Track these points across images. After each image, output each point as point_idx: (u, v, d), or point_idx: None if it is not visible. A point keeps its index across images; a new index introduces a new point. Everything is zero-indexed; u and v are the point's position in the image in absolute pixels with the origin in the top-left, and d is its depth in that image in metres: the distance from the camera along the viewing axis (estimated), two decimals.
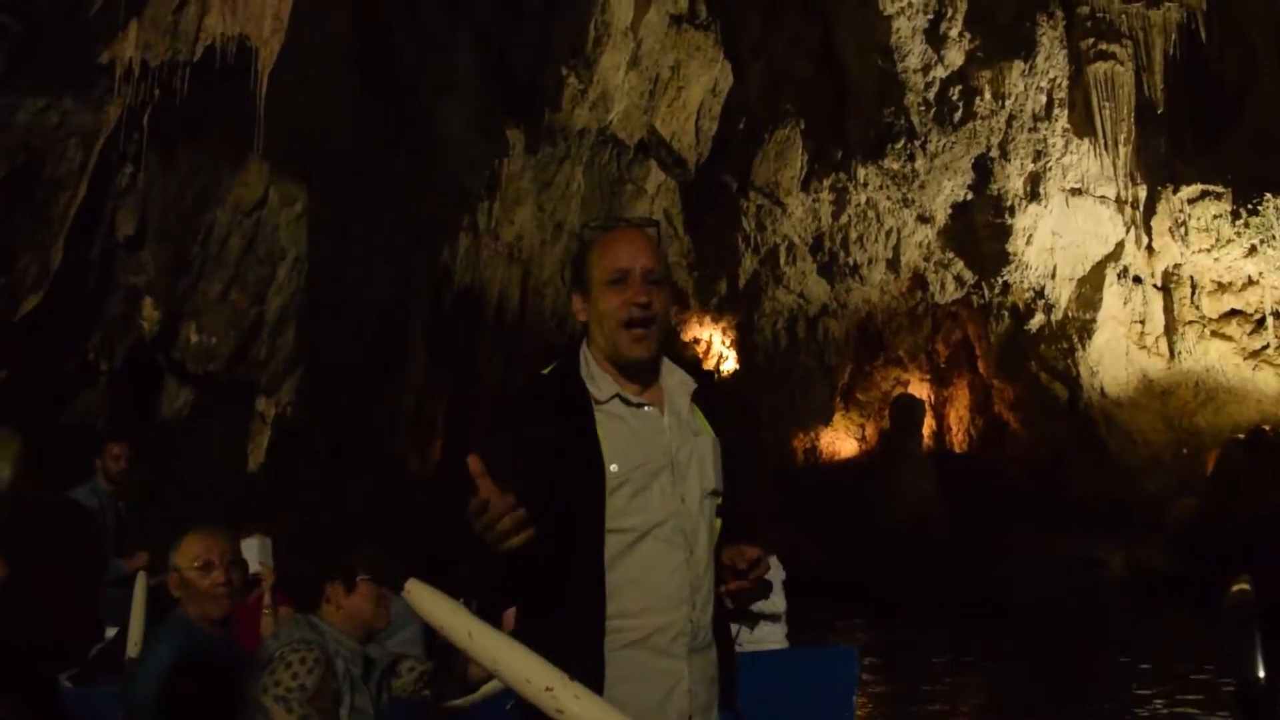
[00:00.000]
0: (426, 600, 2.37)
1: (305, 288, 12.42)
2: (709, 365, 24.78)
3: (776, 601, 6.30)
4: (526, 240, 23.18)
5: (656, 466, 2.37)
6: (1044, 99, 19.32)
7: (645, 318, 2.35)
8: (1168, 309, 20.12)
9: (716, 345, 24.93)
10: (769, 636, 6.25)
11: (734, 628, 6.25)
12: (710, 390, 2.50)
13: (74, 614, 1.64)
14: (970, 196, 20.43)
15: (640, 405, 2.40)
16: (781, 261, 22.43)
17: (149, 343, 10.74)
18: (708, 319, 24.54)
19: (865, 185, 20.91)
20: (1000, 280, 20.70)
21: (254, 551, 6.48)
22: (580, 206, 22.94)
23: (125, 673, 3.29)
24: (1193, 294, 19.99)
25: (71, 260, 9.17)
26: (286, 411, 12.80)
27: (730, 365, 24.72)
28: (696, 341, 25.02)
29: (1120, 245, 20.14)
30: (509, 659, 2.26)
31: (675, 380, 2.46)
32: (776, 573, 6.42)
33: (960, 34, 19.36)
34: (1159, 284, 20.28)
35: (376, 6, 13.92)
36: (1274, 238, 19.15)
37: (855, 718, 4.94)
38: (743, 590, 2.35)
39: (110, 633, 4.50)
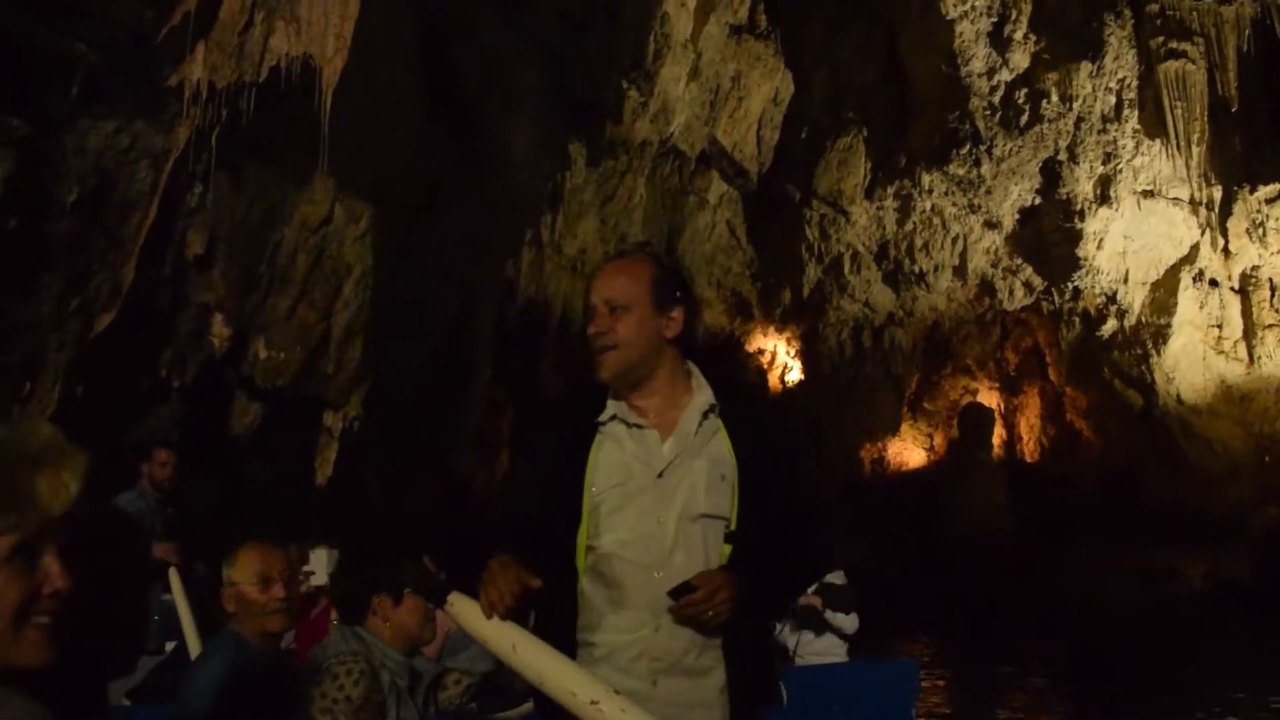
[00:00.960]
0: (470, 614, 2.36)
1: (371, 303, 12.58)
2: (774, 376, 24.66)
3: (849, 621, 6.24)
4: (590, 253, 23.25)
5: (637, 487, 2.39)
6: (1113, 100, 18.95)
7: (599, 346, 2.42)
8: (1245, 312, 19.59)
9: (781, 356, 24.79)
10: (830, 650, 6.20)
11: (793, 640, 6.23)
12: (734, 410, 2.46)
13: (122, 624, 1.66)
14: (1038, 201, 20.09)
15: (639, 427, 2.43)
16: (846, 270, 22.24)
17: (219, 359, 10.94)
18: (772, 329, 24.41)
19: (930, 192, 20.66)
20: (1071, 286, 20.32)
21: (323, 563, 6.51)
22: (643, 218, 22.98)
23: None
24: (1272, 296, 19.46)
25: (143, 279, 9.37)
26: (354, 426, 12.96)
27: (795, 376, 24.55)
28: (761, 352, 24.90)
29: (1195, 248, 19.67)
30: (554, 672, 2.24)
31: (699, 400, 2.46)
32: (848, 595, 6.33)
33: (1025, 36, 19.07)
34: (1236, 286, 19.76)
35: (439, 24, 14.07)
36: None
37: None
38: (681, 614, 2.29)
39: (168, 646, 4.49)
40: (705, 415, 2.44)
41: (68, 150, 7.97)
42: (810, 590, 6.13)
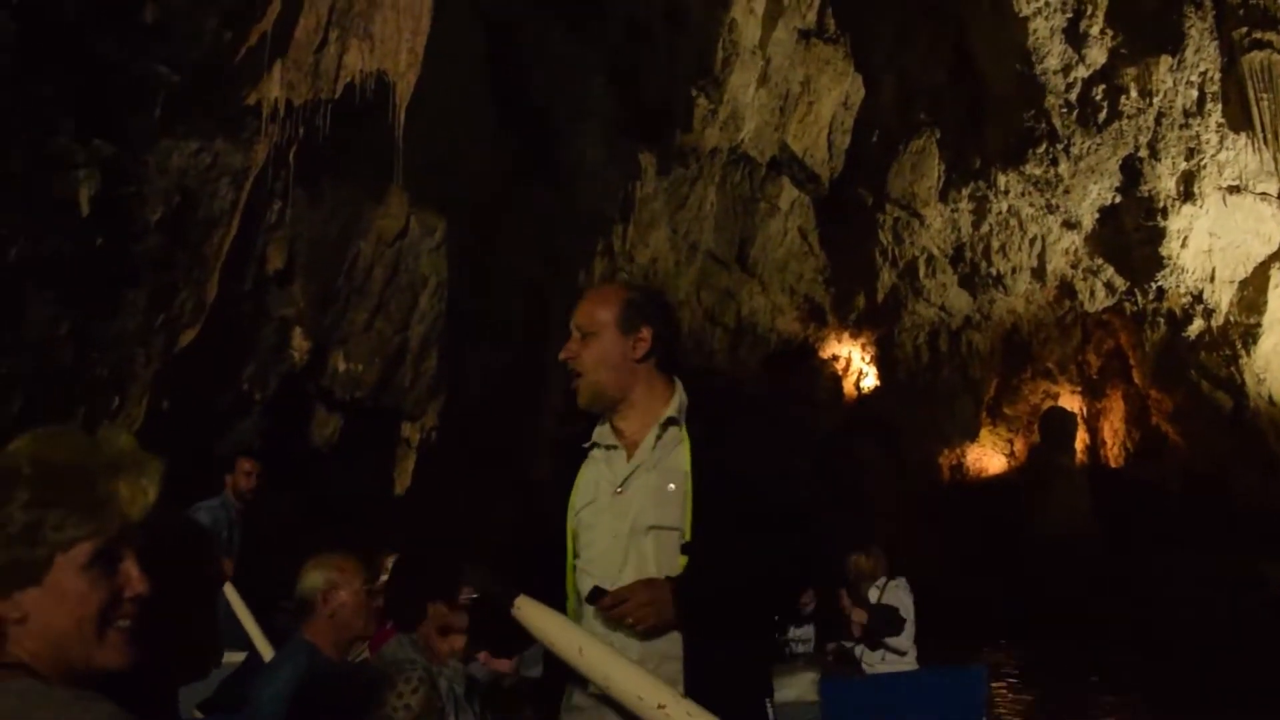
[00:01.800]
0: (536, 617, 2.39)
1: (446, 314, 12.73)
2: (848, 383, 24.42)
3: (901, 641, 6.17)
4: (661, 262, 23.27)
5: (602, 505, 2.48)
6: (1195, 94, 18.42)
7: (570, 373, 2.56)
8: None
9: (856, 362, 24.55)
10: (895, 662, 6.15)
11: (857, 650, 6.16)
12: (698, 420, 2.50)
13: (195, 631, 1.69)
14: (1119, 199, 19.63)
15: (612, 447, 2.52)
16: (921, 274, 21.95)
17: (299, 372, 11.14)
18: (846, 335, 24.17)
19: (1006, 193, 20.31)
20: (1154, 286, 19.81)
21: None
22: (714, 226, 22.94)
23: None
24: None
25: (225, 295, 9.59)
26: (431, 436, 13.12)
27: (870, 382, 24.29)
28: (835, 359, 24.68)
29: None
30: (621, 676, 2.25)
31: (663, 414, 2.52)
32: (906, 613, 6.26)
33: (1102, 31, 18.66)
34: None
35: (507, 37, 14.21)
36: None
37: None
38: (605, 620, 2.38)
39: (236, 657, 4.49)
40: (665, 428, 2.49)
41: (151, 170, 8.19)
42: (861, 611, 6.11)
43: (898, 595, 6.30)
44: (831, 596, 7.21)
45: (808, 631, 6.86)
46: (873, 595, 6.34)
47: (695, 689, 2.32)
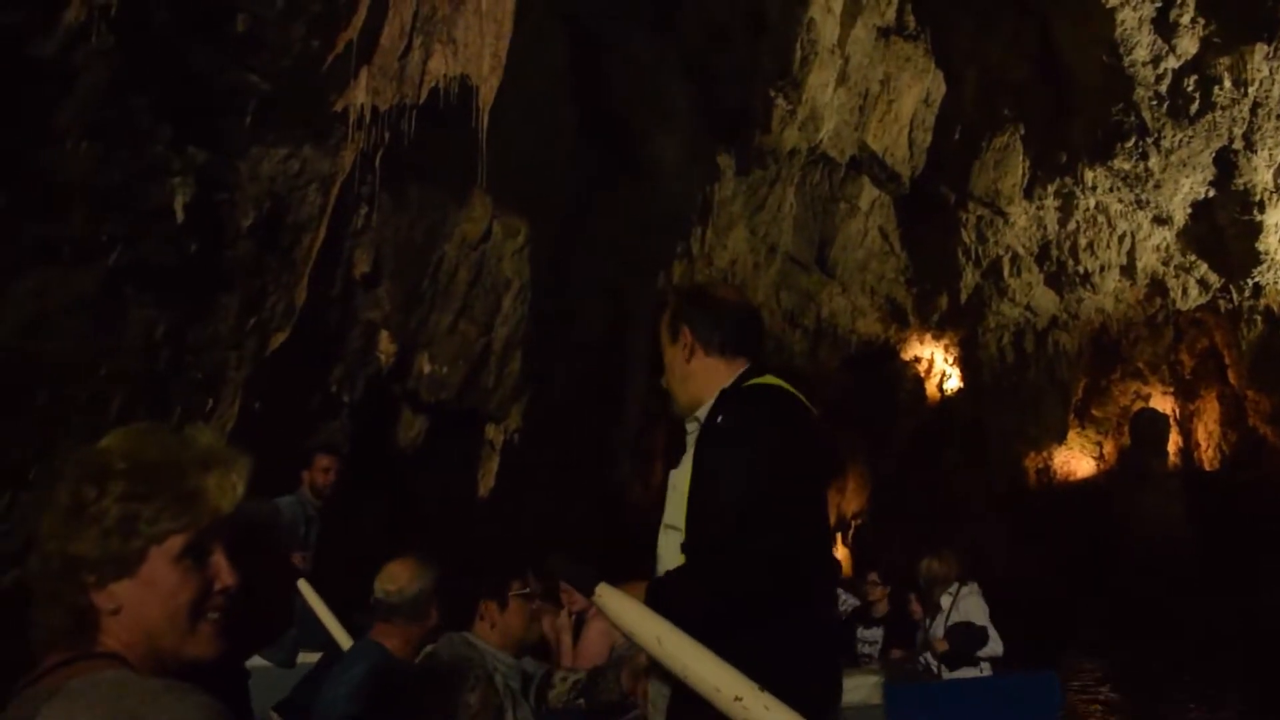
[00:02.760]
0: (616, 605, 2.39)
1: (529, 317, 12.81)
2: (931, 384, 24.09)
3: (993, 646, 6.09)
4: (740, 264, 23.19)
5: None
6: None
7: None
8: None
9: (939, 364, 24.23)
10: (973, 670, 6.08)
11: (934, 665, 6.09)
12: (709, 422, 2.56)
13: (269, 621, 1.74)
14: (1212, 193, 19.06)
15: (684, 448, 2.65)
16: (1005, 273, 21.56)
17: (385, 374, 11.29)
18: (928, 336, 23.87)
19: (1094, 189, 19.85)
20: (1250, 282, 19.21)
21: None
22: (793, 228, 22.79)
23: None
24: None
25: (314, 298, 9.74)
26: (514, 439, 13.20)
27: (954, 384, 23.96)
28: (917, 360, 24.38)
29: None
30: (699, 666, 2.23)
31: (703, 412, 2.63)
32: (979, 613, 6.16)
33: (1193, 20, 18.12)
34: None
35: (588, 40, 14.26)
36: None
37: None
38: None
39: (312, 658, 4.50)
40: (699, 427, 2.60)
41: (242, 176, 8.36)
42: (941, 641, 6.05)
43: (971, 601, 6.22)
44: (903, 600, 7.13)
45: (876, 634, 6.79)
46: (945, 601, 6.29)
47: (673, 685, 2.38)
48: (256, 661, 5.15)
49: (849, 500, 26.99)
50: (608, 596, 2.44)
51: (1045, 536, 21.17)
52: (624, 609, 2.40)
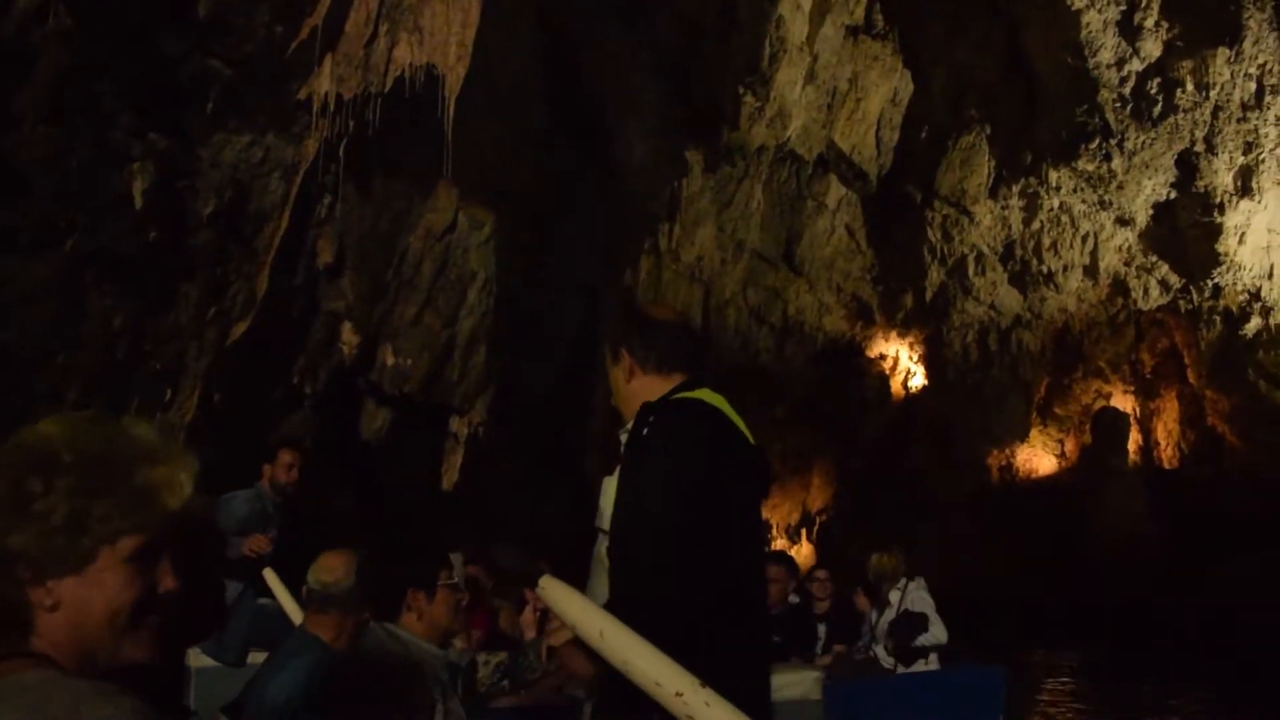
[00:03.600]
0: (559, 597, 2.40)
1: (495, 310, 12.74)
2: (896, 382, 24.22)
3: (937, 632, 6.12)
4: (707, 260, 23.22)
5: None
6: (1253, 86, 18.04)
7: None
8: None
9: (904, 361, 24.34)
10: (923, 664, 6.11)
11: (889, 661, 6.12)
12: (634, 434, 2.65)
13: (205, 619, 1.70)
14: (1174, 195, 19.26)
15: None
16: (970, 272, 21.69)
17: (348, 366, 11.20)
18: (894, 334, 23.98)
19: (1058, 189, 20.01)
20: (1210, 283, 19.41)
21: (459, 567, 6.50)
22: (760, 224, 22.84)
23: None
24: None
25: (276, 288, 9.65)
26: (479, 432, 13.14)
27: (918, 381, 24.08)
28: (882, 358, 24.48)
29: None
30: (641, 661, 2.24)
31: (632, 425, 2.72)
32: (924, 605, 6.19)
33: (1157, 24, 18.32)
34: None
35: (560, 33, 14.22)
36: None
37: None
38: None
39: (260, 657, 4.42)
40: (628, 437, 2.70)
41: (204, 164, 8.26)
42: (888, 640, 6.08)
43: (919, 596, 6.26)
44: (847, 597, 7.15)
45: (819, 630, 6.80)
46: (894, 597, 6.31)
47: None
48: (206, 662, 5.11)
49: (814, 497, 27.08)
50: (551, 588, 2.43)
51: (1009, 533, 21.32)
52: (567, 601, 2.41)
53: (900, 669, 6.00)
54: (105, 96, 7.27)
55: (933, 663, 6.05)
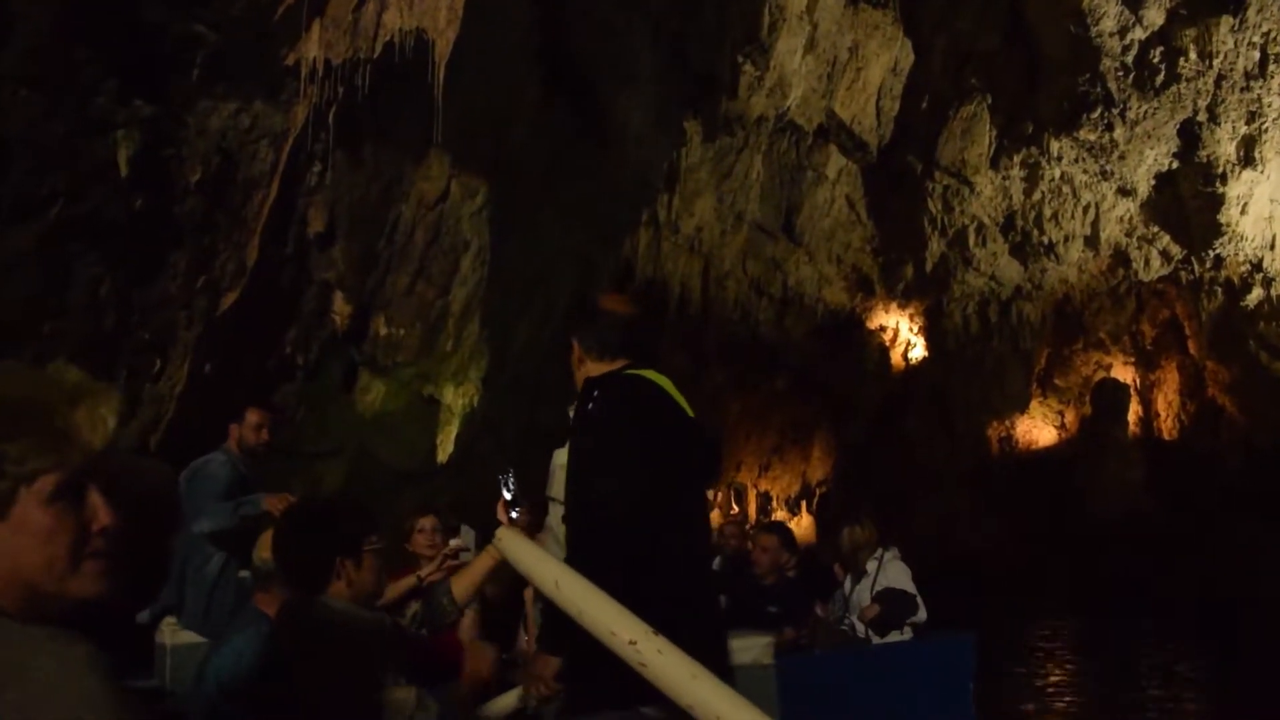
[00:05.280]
0: (516, 548, 2.49)
1: (489, 279, 12.67)
2: (896, 354, 24.18)
3: (921, 614, 6.11)
4: (706, 232, 23.13)
5: None
6: (1257, 55, 17.83)
7: None
8: None
9: (904, 333, 24.29)
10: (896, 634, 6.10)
11: (860, 628, 6.11)
12: (577, 409, 2.86)
13: (153, 568, 1.68)
14: (1176, 165, 19.10)
15: None
16: (971, 243, 21.57)
17: (341, 336, 11.16)
18: (894, 306, 23.91)
19: (1059, 159, 19.85)
20: (1212, 254, 19.29)
21: (471, 540, 6.39)
22: (760, 196, 22.72)
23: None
24: None
25: (267, 258, 9.59)
26: (473, 403, 13.09)
27: (919, 353, 24.04)
28: (883, 329, 24.43)
29: None
30: (595, 610, 2.27)
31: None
32: (903, 578, 6.17)
33: None
34: None
35: (554, 1, 14.06)
36: None
37: (973, 705, 4.82)
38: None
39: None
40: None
41: (191, 131, 8.18)
42: (873, 605, 6.04)
43: (896, 567, 6.24)
44: (823, 569, 7.11)
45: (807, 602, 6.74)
46: (870, 566, 6.29)
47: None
48: (184, 639, 5.07)
49: (814, 468, 27.11)
50: (508, 540, 2.59)
51: (1009, 504, 21.35)
52: (523, 552, 2.57)
53: (875, 639, 5.99)
54: (87, 63, 7.18)
55: (906, 633, 6.04)
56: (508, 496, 3.27)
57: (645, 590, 2.50)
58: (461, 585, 3.18)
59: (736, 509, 27.13)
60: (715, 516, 25.55)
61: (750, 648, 4.50)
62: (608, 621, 2.26)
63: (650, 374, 2.87)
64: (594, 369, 2.93)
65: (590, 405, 2.79)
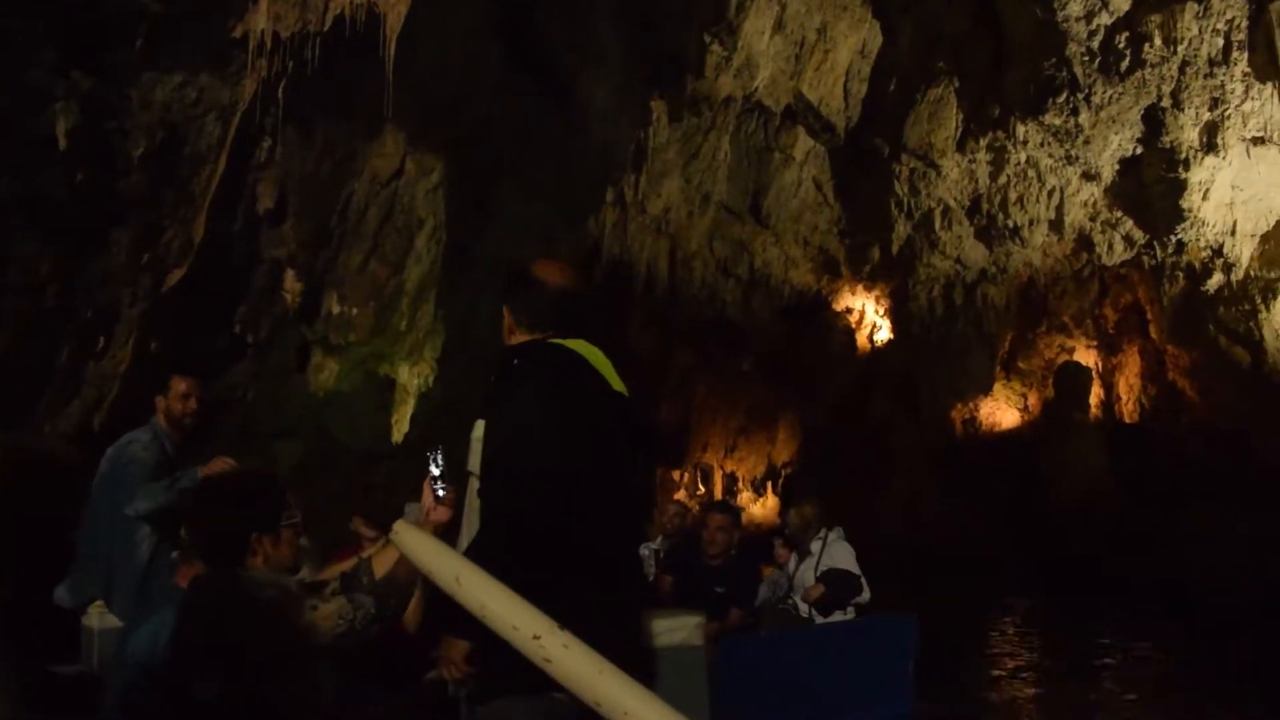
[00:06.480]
0: (413, 543, 2.36)
1: (446, 258, 12.54)
2: (862, 335, 24.23)
3: (865, 594, 6.13)
4: (674, 212, 23.05)
5: None
6: (1221, 42, 17.87)
7: None
8: None
9: (870, 315, 24.34)
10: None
11: (804, 608, 6.11)
12: (500, 374, 2.76)
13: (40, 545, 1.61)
14: (1139, 150, 19.15)
15: None
16: (937, 226, 21.60)
17: (293, 315, 11.01)
18: (860, 288, 23.95)
19: (1025, 143, 19.87)
20: (1174, 239, 19.38)
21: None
22: (727, 177, 22.65)
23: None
24: None
25: (215, 234, 9.44)
26: (429, 383, 12.98)
27: (884, 335, 24.10)
28: (849, 311, 24.47)
29: None
30: (496, 605, 2.19)
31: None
32: (847, 558, 6.18)
33: None
34: None
35: None
36: None
37: (913, 684, 4.81)
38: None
39: None
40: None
41: (134, 104, 8.02)
42: (817, 586, 6.04)
43: (841, 547, 6.26)
44: (765, 548, 7.11)
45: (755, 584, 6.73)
46: (815, 546, 6.30)
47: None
48: (112, 621, 4.97)
49: (779, 450, 27.17)
50: (405, 534, 2.45)
51: (972, 486, 21.47)
52: (421, 547, 2.43)
53: (819, 619, 6.01)
54: (22, 33, 7.01)
55: (850, 613, 6.06)
56: (435, 472, 3.17)
57: (557, 569, 2.45)
58: (382, 564, 3.11)
59: (703, 489, 27.18)
60: (682, 496, 25.58)
61: (679, 628, 4.45)
62: (510, 617, 2.18)
63: (575, 344, 2.77)
64: (522, 340, 2.84)
65: (506, 374, 2.71)
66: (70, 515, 4.97)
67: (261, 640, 2.80)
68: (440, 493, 3.08)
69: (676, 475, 27.44)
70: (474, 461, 2.74)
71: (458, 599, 2.28)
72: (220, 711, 2.68)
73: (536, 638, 2.13)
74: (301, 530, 4.48)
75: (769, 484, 27.13)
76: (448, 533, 3.37)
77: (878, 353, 24.19)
